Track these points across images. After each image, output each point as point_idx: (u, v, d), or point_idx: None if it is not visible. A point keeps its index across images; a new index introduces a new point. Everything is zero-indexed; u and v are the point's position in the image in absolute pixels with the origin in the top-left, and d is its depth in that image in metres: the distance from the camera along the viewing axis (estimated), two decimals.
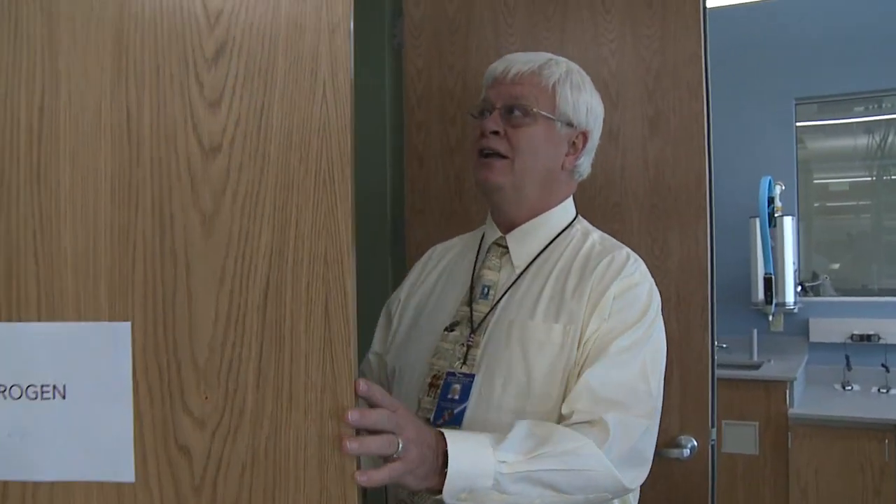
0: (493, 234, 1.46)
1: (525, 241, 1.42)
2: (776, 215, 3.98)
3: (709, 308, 1.82)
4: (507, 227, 1.44)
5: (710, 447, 1.80)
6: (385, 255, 2.21)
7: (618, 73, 1.90)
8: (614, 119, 1.89)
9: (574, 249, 1.40)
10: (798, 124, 4.25)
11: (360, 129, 2.28)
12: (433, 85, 2.10)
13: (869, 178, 4.46)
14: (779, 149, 4.19)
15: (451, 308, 1.44)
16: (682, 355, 1.82)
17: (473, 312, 1.39)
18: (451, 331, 1.40)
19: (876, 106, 4.31)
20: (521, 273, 1.40)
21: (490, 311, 1.38)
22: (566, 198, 1.47)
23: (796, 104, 4.22)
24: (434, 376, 1.36)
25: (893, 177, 4.36)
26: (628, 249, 1.40)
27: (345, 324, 0.93)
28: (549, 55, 1.43)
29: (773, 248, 3.93)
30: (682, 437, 1.80)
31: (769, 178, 3.92)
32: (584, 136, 1.43)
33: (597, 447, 1.13)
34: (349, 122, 0.94)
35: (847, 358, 3.87)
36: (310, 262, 0.93)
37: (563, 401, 1.24)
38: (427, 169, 2.09)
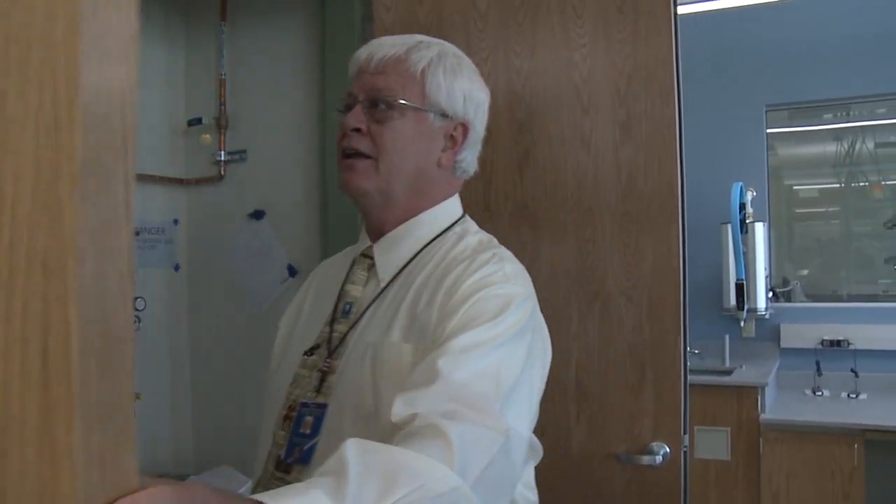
0: (364, 243, 1.31)
1: (392, 251, 1.26)
2: (747, 221, 4.01)
3: (681, 314, 1.81)
4: (377, 235, 1.29)
5: (682, 454, 1.79)
6: None
7: (589, 77, 1.89)
8: (585, 124, 1.89)
9: (443, 256, 1.22)
10: (769, 131, 4.29)
11: (332, 135, 2.26)
12: None
13: (838, 185, 4.52)
14: (750, 155, 4.22)
15: (318, 329, 1.28)
16: (654, 361, 1.81)
17: (333, 333, 1.23)
18: (311, 355, 1.24)
19: (844, 113, 4.37)
20: (386, 286, 1.24)
21: (349, 330, 1.22)
22: (447, 198, 1.30)
23: (767, 111, 4.26)
24: (289, 407, 1.21)
25: (862, 183, 4.41)
26: (500, 251, 1.23)
27: (66, 383, 0.52)
28: (421, 37, 1.27)
29: (744, 253, 3.96)
30: (655, 443, 1.79)
31: (740, 184, 3.94)
32: (464, 127, 1.27)
33: (456, 476, 0.84)
34: (84, 11, 0.53)
35: (817, 363, 3.90)
36: (27, 270, 0.53)
37: (393, 403, 0.97)
38: None
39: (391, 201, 1.24)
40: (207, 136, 3.00)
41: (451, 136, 1.26)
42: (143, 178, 2.96)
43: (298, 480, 0.92)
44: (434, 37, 2.04)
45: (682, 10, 1.88)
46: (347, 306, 1.25)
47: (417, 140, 1.22)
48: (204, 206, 3.12)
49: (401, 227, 1.27)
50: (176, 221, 3.12)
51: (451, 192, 1.32)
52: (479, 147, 1.33)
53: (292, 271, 2.78)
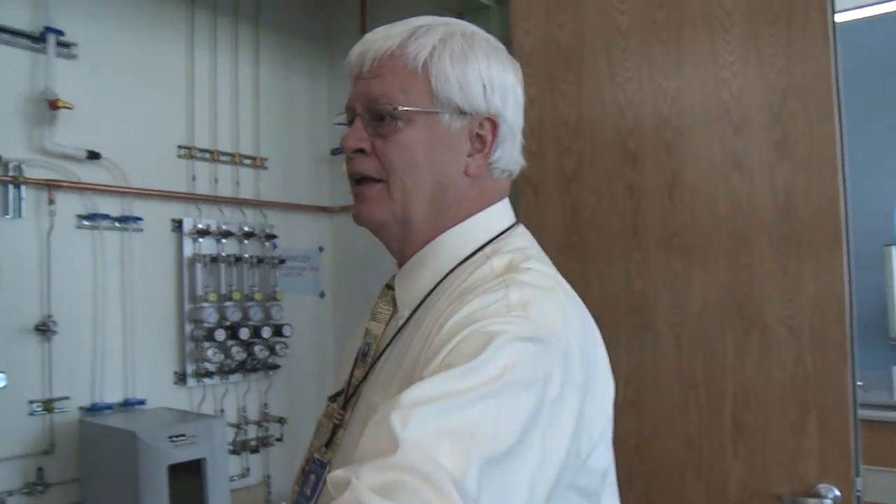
0: (393, 272, 1.11)
1: (412, 279, 1.04)
2: None
3: (849, 344, 1.67)
4: (403, 263, 1.08)
5: (855, 497, 1.64)
6: None
7: (740, 95, 1.80)
8: (738, 144, 1.80)
9: (458, 285, 0.97)
10: None
11: None
12: (545, 114, 2.05)
13: None
14: None
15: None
16: (818, 395, 1.69)
17: (352, 378, 1.05)
18: (333, 401, 1.08)
19: None
20: (405, 322, 1.01)
21: (364, 377, 1.03)
22: (483, 208, 1.05)
23: None
24: (307, 460, 1.06)
25: None
26: (515, 276, 0.91)
27: None
28: (423, 20, 1.02)
29: None
30: (822, 485, 1.66)
31: None
32: (492, 122, 1.02)
33: None
34: None
35: None
36: None
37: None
38: (542, 200, 2.04)
39: (412, 228, 1.02)
40: None
41: (478, 136, 1.02)
42: (291, 207, 3.07)
43: None
44: (576, 59, 2.03)
45: (839, 17, 1.76)
46: (367, 347, 1.07)
47: (433, 150, 0.99)
48: (347, 233, 3.20)
49: (420, 252, 1.04)
50: (321, 249, 3.22)
51: (491, 201, 1.07)
52: (518, 138, 1.07)
53: None
